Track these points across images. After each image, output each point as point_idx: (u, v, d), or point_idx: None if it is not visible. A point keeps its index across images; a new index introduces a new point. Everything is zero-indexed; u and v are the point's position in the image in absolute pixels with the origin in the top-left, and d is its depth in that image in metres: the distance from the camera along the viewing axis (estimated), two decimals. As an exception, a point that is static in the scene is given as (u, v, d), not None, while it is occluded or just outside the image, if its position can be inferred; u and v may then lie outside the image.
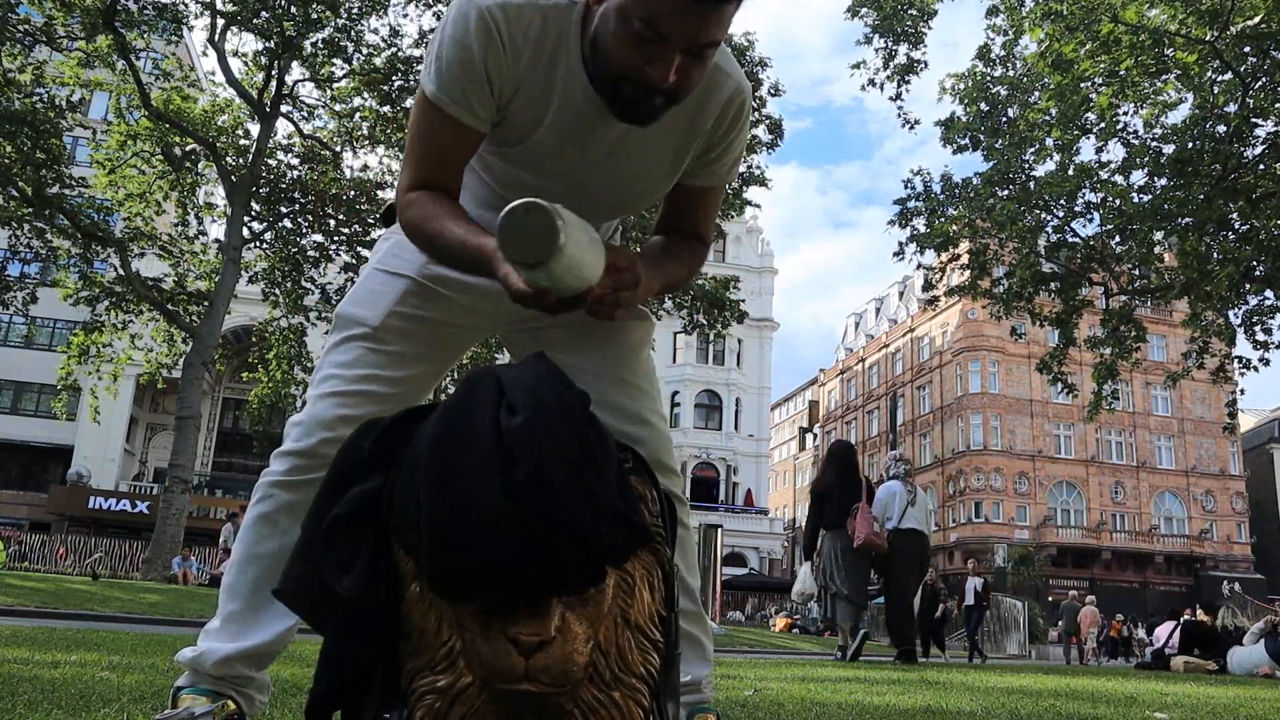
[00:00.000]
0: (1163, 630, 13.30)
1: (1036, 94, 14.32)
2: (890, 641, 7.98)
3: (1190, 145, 12.72)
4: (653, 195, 1.60)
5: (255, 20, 17.63)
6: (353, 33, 18.36)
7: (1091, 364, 16.22)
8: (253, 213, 19.80)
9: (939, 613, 14.13)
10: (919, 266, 16.29)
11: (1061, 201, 14.47)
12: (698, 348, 42.23)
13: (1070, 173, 14.20)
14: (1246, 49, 11.81)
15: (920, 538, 7.52)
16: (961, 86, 14.92)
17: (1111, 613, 26.32)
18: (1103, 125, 13.57)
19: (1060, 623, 23.23)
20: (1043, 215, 14.81)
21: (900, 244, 15.13)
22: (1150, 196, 13.49)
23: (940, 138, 14.94)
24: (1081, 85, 12.85)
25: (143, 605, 9.38)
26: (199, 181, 20.89)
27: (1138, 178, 14.12)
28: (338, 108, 20.07)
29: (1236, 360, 14.79)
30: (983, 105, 14.80)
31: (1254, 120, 12.22)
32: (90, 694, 2.07)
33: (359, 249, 20.73)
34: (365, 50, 18.86)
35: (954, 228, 14.79)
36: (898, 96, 14.23)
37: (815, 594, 7.96)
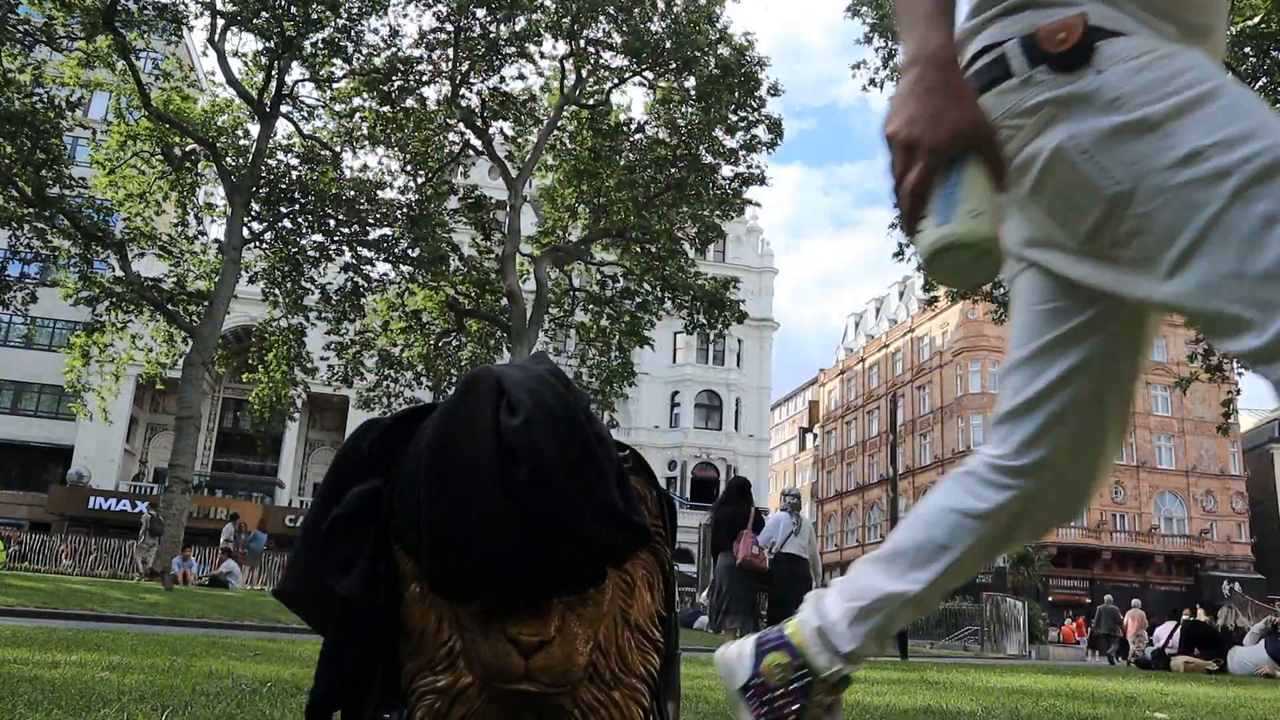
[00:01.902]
0: (1163, 630, 13.30)
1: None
2: None
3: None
4: None
5: (255, 20, 17.64)
6: (353, 33, 18.39)
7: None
8: (253, 213, 19.80)
9: None
10: (919, 269, 16.32)
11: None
12: (698, 348, 42.21)
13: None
14: (1246, 49, 11.80)
15: (799, 561, 8.82)
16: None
17: (1111, 613, 26.25)
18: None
19: (1064, 621, 23.20)
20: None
21: (900, 245, 15.16)
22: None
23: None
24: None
25: (143, 605, 9.38)
26: (199, 181, 20.90)
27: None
28: (338, 108, 20.09)
29: (1235, 360, 14.77)
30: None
31: (1254, 120, 12.20)
32: (90, 694, 2.07)
33: (359, 249, 20.74)
34: (365, 50, 18.88)
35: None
36: (897, 96, 14.25)
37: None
